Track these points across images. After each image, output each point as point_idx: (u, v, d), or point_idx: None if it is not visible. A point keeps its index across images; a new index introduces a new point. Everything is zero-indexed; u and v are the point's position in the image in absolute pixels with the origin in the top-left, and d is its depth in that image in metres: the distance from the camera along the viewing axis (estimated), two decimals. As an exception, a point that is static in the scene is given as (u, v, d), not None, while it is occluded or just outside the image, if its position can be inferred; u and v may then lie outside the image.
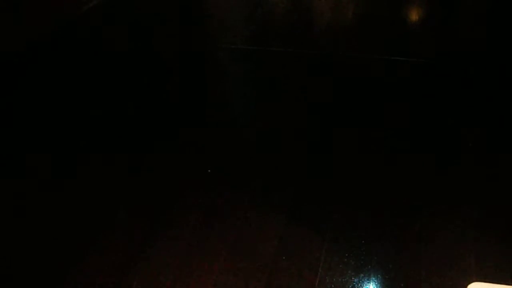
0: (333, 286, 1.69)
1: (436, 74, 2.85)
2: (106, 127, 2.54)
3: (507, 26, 3.29)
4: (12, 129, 2.55)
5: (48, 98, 2.78)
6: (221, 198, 2.08)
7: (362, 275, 1.73)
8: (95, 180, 2.21)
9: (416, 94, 2.67)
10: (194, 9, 3.80)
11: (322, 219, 1.95)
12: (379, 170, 2.18)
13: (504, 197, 2.01)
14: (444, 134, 2.38)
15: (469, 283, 1.23)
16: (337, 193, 2.08)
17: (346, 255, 1.80)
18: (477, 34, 3.26)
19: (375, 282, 1.71)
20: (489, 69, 2.86)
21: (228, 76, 3.01)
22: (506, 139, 2.32)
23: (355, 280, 1.71)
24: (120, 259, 1.82)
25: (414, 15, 3.60)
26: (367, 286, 1.70)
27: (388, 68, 2.90)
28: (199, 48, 3.23)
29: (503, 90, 2.66)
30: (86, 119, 2.60)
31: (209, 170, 2.22)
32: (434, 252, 1.79)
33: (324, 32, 3.42)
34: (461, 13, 3.56)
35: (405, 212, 1.97)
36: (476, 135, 2.35)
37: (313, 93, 2.73)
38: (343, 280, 1.71)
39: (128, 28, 3.52)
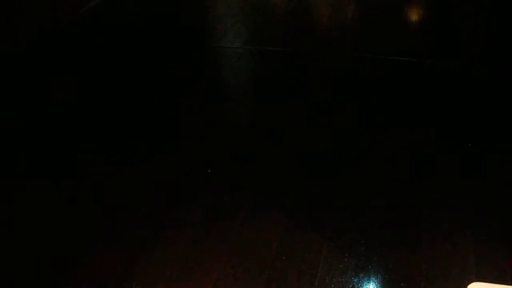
0: (333, 286, 1.69)
1: (436, 74, 2.85)
2: (104, 126, 2.54)
3: (507, 26, 3.29)
4: (11, 128, 2.56)
5: (47, 98, 2.78)
6: (221, 198, 2.08)
7: (362, 275, 1.73)
8: (95, 180, 2.21)
9: (415, 94, 2.68)
10: (194, 9, 3.80)
11: (322, 219, 1.95)
12: (379, 171, 2.18)
13: (503, 198, 2.01)
14: (443, 134, 2.38)
15: (469, 283, 1.23)
16: (337, 193, 2.08)
17: (346, 255, 1.80)
18: (477, 34, 3.26)
19: (375, 282, 1.71)
20: (489, 69, 2.86)
21: (227, 76, 3.01)
22: (505, 140, 2.32)
23: (355, 280, 1.71)
24: (120, 259, 1.82)
25: (414, 15, 3.60)
26: (367, 286, 1.70)
27: (388, 68, 2.91)
28: (199, 48, 3.23)
29: (503, 90, 2.67)
30: (85, 119, 2.60)
31: (209, 170, 2.22)
32: (434, 252, 1.79)
33: (324, 32, 3.42)
34: (461, 13, 3.56)
35: (405, 212, 1.97)
36: (475, 135, 2.35)
37: (313, 92, 2.73)
38: (343, 280, 1.71)
39: (128, 28, 3.52)
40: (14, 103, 2.75)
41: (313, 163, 2.25)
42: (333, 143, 2.36)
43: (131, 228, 1.95)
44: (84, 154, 2.37)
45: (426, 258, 1.77)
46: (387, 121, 2.48)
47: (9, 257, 1.87)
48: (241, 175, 2.20)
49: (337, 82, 2.82)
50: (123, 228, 1.95)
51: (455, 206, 1.98)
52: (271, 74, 2.95)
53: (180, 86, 2.86)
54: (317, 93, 2.72)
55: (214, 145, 2.39)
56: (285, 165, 2.24)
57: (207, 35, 3.41)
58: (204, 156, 2.32)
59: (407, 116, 2.51)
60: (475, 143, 2.30)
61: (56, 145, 2.43)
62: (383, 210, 1.98)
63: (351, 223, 1.93)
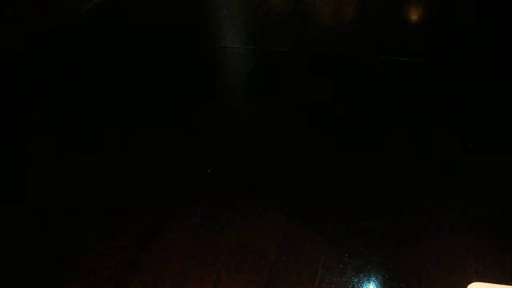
0: (333, 286, 1.69)
1: (436, 74, 2.85)
2: (104, 127, 2.54)
3: (507, 25, 3.29)
4: (12, 128, 2.56)
5: (48, 98, 2.78)
6: (221, 198, 2.08)
7: (362, 275, 1.73)
8: (95, 179, 2.21)
9: (415, 94, 2.68)
10: (194, 9, 3.80)
11: (322, 219, 1.95)
12: (380, 171, 2.18)
13: (503, 197, 2.01)
14: (444, 134, 2.38)
15: (469, 283, 1.22)
16: (337, 193, 2.08)
17: (346, 255, 1.80)
18: (477, 34, 3.26)
19: (375, 282, 1.71)
20: (489, 69, 2.86)
21: (228, 76, 3.01)
22: (504, 139, 2.32)
23: (355, 280, 1.71)
24: (121, 258, 1.82)
25: (414, 15, 3.60)
26: (367, 286, 1.70)
27: (388, 68, 2.90)
28: (199, 48, 3.23)
29: (503, 90, 2.67)
30: (85, 119, 2.60)
31: (209, 170, 2.22)
32: (434, 252, 1.79)
33: (324, 32, 3.42)
34: (461, 13, 3.56)
35: (405, 212, 1.97)
36: (475, 135, 2.35)
37: (313, 93, 2.73)
38: (343, 280, 1.71)
39: (128, 28, 3.52)
40: (14, 104, 2.75)
41: (314, 163, 2.25)
42: (333, 143, 2.36)
43: (131, 228, 1.95)
44: (85, 154, 2.37)
45: (426, 258, 1.77)
46: (387, 121, 2.48)
47: (9, 256, 1.87)
48: (242, 175, 2.20)
49: (337, 82, 2.81)
50: (124, 227, 1.95)
51: (455, 206, 1.98)
52: (271, 74, 2.95)
53: (180, 86, 2.86)
54: (317, 93, 2.72)
55: (214, 145, 2.39)
56: (285, 165, 2.24)
57: (207, 35, 3.41)
58: (204, 156, 2.32)
59: (406, 116, 2.51)
60: (475, 143, 2.30)
61: (55, 145, 2.43)
62: (383, 210, 1.98)
63: (351, 223, 1.93)
